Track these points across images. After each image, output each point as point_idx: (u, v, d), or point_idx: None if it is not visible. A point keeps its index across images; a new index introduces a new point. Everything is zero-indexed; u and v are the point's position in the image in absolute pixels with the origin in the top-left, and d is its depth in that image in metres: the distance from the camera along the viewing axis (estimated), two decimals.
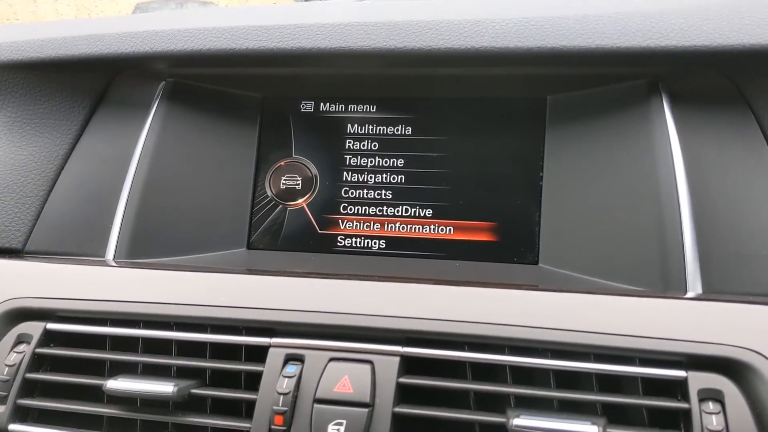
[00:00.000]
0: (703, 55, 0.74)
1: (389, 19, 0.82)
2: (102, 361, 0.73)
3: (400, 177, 0.90)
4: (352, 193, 0.91)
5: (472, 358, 0.66)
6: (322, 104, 0.94)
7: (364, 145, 0.92)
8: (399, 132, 0.91)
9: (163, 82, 0.94)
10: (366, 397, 0.64)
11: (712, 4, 0.76)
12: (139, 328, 0.73)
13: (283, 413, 0.64)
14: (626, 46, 0.75)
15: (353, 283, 0.73)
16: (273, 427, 0.64)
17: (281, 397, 0.64)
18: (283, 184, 0.93)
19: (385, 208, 0.90)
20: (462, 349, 0.66)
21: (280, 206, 0.93)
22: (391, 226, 0.90)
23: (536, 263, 0.84)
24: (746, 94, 0.78)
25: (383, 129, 0.92)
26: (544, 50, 0.77)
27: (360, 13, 0.87)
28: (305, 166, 0.93)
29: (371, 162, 0.91)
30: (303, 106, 0.95)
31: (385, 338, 0.67)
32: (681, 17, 0.75)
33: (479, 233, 0.87)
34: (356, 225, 0.91)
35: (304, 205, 0.92)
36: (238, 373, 0.70)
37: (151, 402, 0.70)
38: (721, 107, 0.79)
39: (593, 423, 0.59)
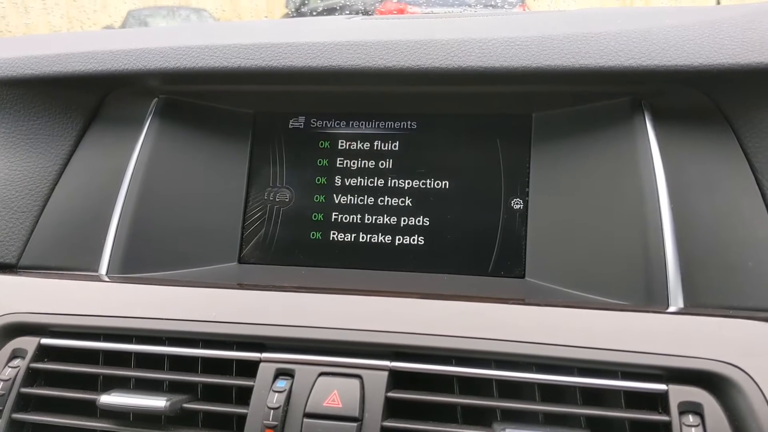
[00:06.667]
0: (683, 75, 0.76)
1: (379, 39, 0.84)
2: (95, 376, 0.74)
3: (386, 191, 0.92)
4: (340, 206, 0.93)
5: (459, 372, 0.67)
6: (312, 120, 0.95)
7: (352, 161, 0.93)
8: (386, 148, 0.93)
9: (156, 99, 0.95)
10: (355, 412, 0.65)
11: (692, 25, 0.77)
12: (131, 343, 0.74)
13: (273, 427, 0.65)
14: (609, 65, 0.77)
15: (342, 297, 0.74)
16: None
17: (271, 411, 0.65)
18: (273, 199, 0.94)
19: (371, 220, 0.91)
20: (449, 364, 0.67)
21: (270, 222, 0.94)
22: (379, 239, 0.91)
23: (523, 277, 0.85)
24: (726, 112, 0.80)
25: (372, 145, 0.93)
26: (529, 69, 0.79)
27: (350, 31, 0.88)
28: (293, 181, 0.94)
29: (360, 178, 0.93)
30: (292, 122, 0.96)
31: (374, 353, 0.68)
32: (662, 37, 0.77)
33: (467, 247, 0.88)
34: (344, 237, 0.92)
35: (291, 218, 0.94)
36: (230, 387, 0.71)
37: (144, 416, 0.70)
38: (702, 124, 0.81)
39: None
